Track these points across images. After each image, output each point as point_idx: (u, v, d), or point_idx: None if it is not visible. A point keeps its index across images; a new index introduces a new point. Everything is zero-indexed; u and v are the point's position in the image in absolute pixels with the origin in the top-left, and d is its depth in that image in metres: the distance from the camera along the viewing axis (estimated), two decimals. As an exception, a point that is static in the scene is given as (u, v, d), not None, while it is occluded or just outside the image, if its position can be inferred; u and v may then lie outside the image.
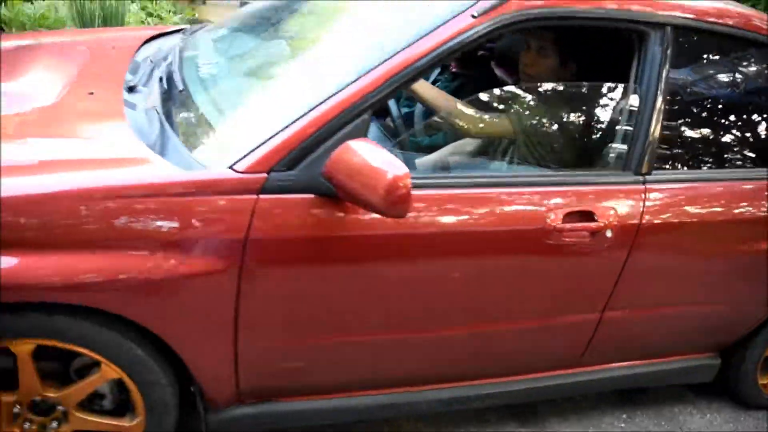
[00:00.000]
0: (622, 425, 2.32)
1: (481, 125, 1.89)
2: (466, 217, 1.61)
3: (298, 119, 1.49)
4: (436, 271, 1.67)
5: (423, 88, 1.90)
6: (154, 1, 5.68)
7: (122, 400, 1.63)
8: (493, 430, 2.17)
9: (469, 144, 2.06)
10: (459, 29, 1.57)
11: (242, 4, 6.28)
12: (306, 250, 1.51)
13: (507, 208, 1.68)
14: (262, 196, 1.45)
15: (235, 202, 1.44)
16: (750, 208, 1.98)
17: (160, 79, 1.86)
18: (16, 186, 1.35)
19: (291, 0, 2.30)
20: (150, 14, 5.45)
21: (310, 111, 1.49)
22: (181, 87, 1.77)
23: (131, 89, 1.86)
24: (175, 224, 1.41)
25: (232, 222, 1.44)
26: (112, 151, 1.54)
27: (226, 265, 1.46)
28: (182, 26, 2.66)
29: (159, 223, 1.41)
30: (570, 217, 1.73)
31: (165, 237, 1.41)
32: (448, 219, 1.60)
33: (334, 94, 1.50)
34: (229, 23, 2.41)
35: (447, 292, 1.71)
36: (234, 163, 1.46)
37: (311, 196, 1.48)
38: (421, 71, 1.56)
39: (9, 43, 2.32)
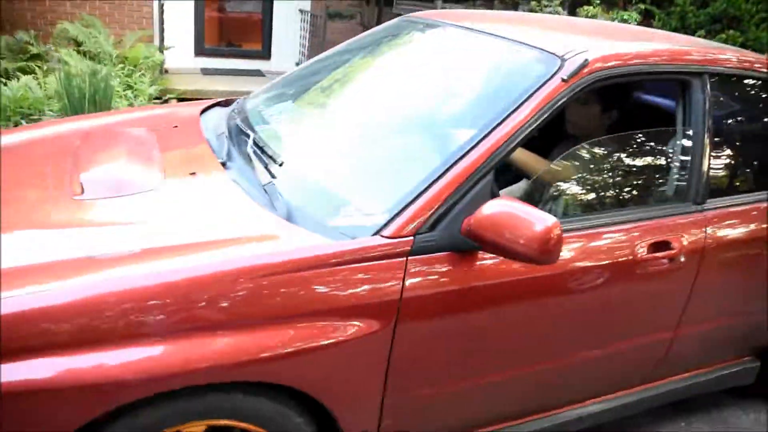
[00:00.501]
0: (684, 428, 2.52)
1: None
2: (583, 254, 1.79)
3: (432, 184, 1.63)
4: (563, 304, 1.83)
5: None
6: (133, 76, 5.69)
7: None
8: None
9: (516, 191, 2.26)
10: (553, 92, 1.77)
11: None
12: (451, 303, 1.64)
13: (610, 244, 1.87)
14: (410, 258, 1.57)
15: (390, 266, 1.55)
16: None
17: (255, 153, 1.94)
18: (194, 268, 1.42)
19: (357, 56, 2.47)
20: (130, 87, 5.46)
21: (442, 175, 1.64)
22: (280, 161, 1.86)
23: (223, 165, 1.94)
24: (336, 292, 1.51)
25: (388, 285, 1.55)
26: (259, 229, 1.61)
27: (382, 325, 1.57)
28: (226, 98, 2.75)
29: (321, 292, 1.50)
30: (652, 247, 1.94)
31: (327, 306, 1.50)
32: (570, 255, 1.77)
33: (461, 158, 1.66)
34: (287, 88, 2.54)
35: (571, 323, 1.88)
36: (380, 230, 1.58)
37: (451, 253, 1.62)
38: (526, 132, 1.74)
39: (27, 133, 2.34)
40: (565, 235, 1.72)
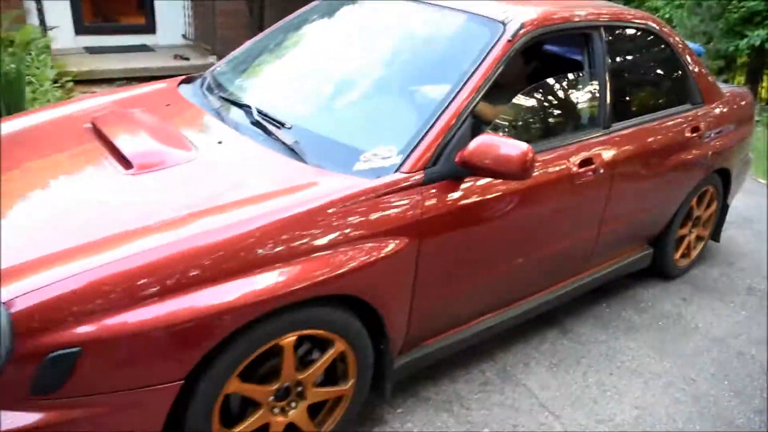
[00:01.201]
0: (607, 311, 3.22)
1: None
2: (542, 171, 2.35)
3: (430, 129, 2.08)
4: (528, 210, 2.38)
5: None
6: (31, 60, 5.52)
7: (330, 373, 2.09)
8: (535, 335, 2.92)
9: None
10: (503, 50, 2.27)
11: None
12: (454, 219, 2.12)
13: (554, 163, 2.43)
14: (423, 186, 2.03)
15: (410, 194, 2.00)
16: (667, 138, 2.97)
17: (265, 119, 2.27)
18: (267, 214, 1.78)
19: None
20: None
21: (436, 121, 2.09)
22: (289, 124, 2.22)
23: (238, 131, 2.27)
24: (375, 219, 1.93)
25: (410, 209, 2.00)
26: (311, 174, 1.98)
27: (410, 241, 2.01)
28: (188, 75, 2.99)
29: (368, 220, 1.91)
30: (580, 163, 2.53)
31: (370, 230, 1.92)
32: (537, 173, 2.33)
33: (447, 107, 2.12)
34: (252, 58, 2.85)
35: (534, 225, 2.45)
36: (398, 168, 2.01)
37: (451, 180, 2.09)
38: (489, 83, 2.22)
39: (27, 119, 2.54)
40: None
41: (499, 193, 2.22)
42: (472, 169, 2.07)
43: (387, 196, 1.96)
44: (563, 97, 2.78)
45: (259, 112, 2.32)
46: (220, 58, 7.54)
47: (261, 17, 8.18)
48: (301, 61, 2.80)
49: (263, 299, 1.71)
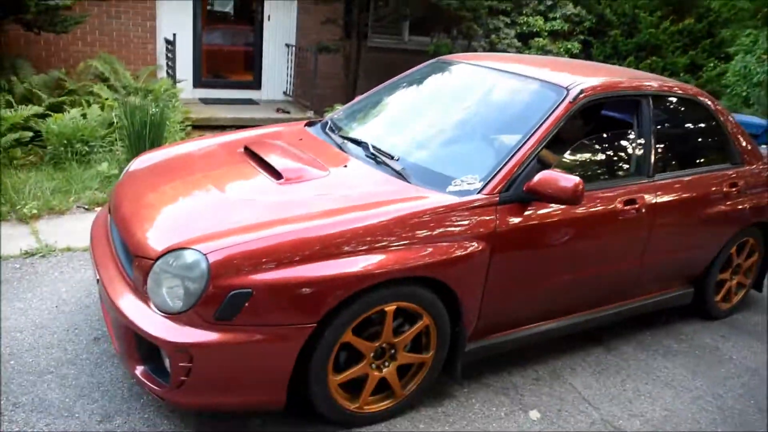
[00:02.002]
0: (649, 337, 3.68)
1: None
2: (590, 205, 2.96)
3: (505, 164, 2.74)
4: (582, 235, 2.97)
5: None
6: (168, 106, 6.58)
7: (415, 345, 2.70)
8: (583, 349, 3.43)
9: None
10: (565, 109, 2.92)
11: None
12: (520, 233, 2.73)
13: (603, 200, 3.03)
14: (498, 206, 2.67)
15: (488, 211, 2.65)
16: (706, 190, 3.51)
17: (378, 152, 2.99)
18: (385, 214, 2.47)
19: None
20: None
21: (510, 159, 2.75)
22: (397, 156, 2.93)
23: (358, 159, 3.00)
24: (464, 226, 2.58)
25: (488, 222, 2.64)
26: (415, 191, 2.66)
27: (485, 246, 2.64)
28: (310, 119, 3.79)
29: (456, 226, 2.57)
30: (625, 202, 3.11)
31: (459, 234, 2.57)
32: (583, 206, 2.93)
33: (519, 149, 2.78)
34: (363, 109, 3.63)
35: (586, 247, 3.03)
36: (480, 191, 2.67)
37: (518, 204, 2.73)
38: (553, 133, 2.87)
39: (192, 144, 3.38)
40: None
41: (557, 218, 2.84)
42: (536, 195, 2.69)
43: (470, 210, 2.61)
44: (615, 149, 3.39)
45: (374, 147, 3.05)
46: (316, 112, 8.56)
47: (355, 81, 9.18)
48: (405, 111, 3.58)
49: (378, 272, 2.37)
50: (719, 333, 3.85)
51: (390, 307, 2.49)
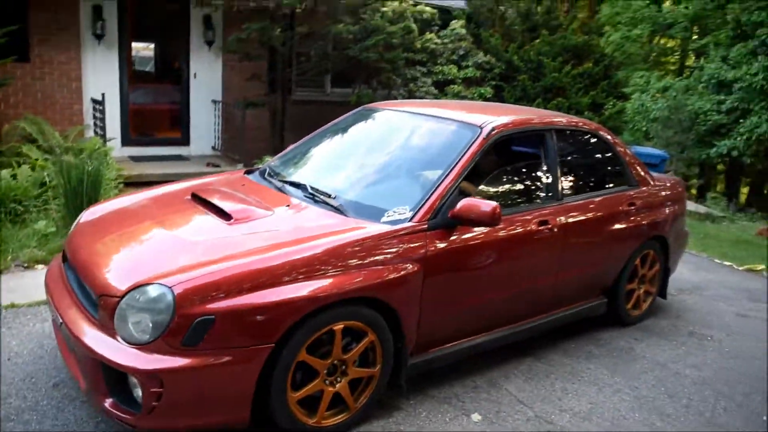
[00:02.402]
0: (573, 345, 4.08)
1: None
2: (508, 227, 3.35)
3: (430, 196, 3.09)
4: (500, 255, 3.34)
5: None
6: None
7: (363, 361, 2.95)
8: (514, 359, 3.77)
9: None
10: (479, 145, 3.33)
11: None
12: (448, 255, 3.08)
13: (520, 222, 3.43)
14: (427, 232, 3.01)
15: (419, 237, 2.98)
16: (608, 210, 3.99)
17: (316, 192, 3.29)
18: (330, 243, 2.75)
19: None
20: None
21: (434, 191, 3.11)
22: (333, 195, 3.24)
23: (299, 200, 3.28)
24: (398, 251, 2.90)
25: (418, 248, 2.97)
26: (354, 223, 2.96)
27: (418, 268, 2.96)
28: (249, 168, 4.05)
29: (392, 251, 2.88)
30: (539, 224, 3.53)
31: (395, 258, 2.89)
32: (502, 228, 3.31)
33: (441, 182, 3.15)
34: (298, 154, 3.94)
35: (511, 266, 3.41)
36: (410, 219, 3.00)
37: (444, 230, 3.08)
38: (470, 167, 3.26)
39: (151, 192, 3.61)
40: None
41: (479, 241, 3.20)
42: (460, 220, 3.06)
43: (403, 237, 2.94)
44: (527, 177, 3.85)
45: (312, 187, 3.35)
46: (245, 165, 8.80)
47: (281, 133, 9.51)
48: (336, 155, 3.93)
49: (325, 295, 2.65)
50: (633, 337, 4.30)
51: (338, 326, 2.75)
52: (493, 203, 3.00)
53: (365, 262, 2.80)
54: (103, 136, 8.03)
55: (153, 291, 2.46)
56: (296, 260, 2.65)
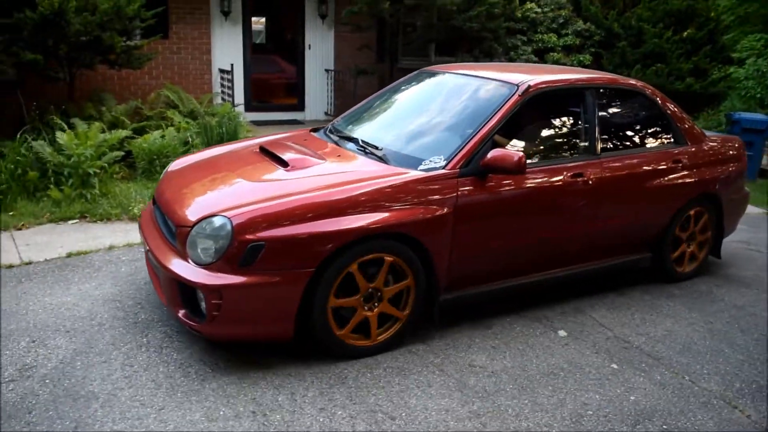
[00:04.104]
0: (654, 285, 4.52)
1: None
2: (543, 179, 3.76)
3: (465, 144, 3.47)
4: (535, 204, 3.70)
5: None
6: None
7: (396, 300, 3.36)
8: (598, 294, 4.28)
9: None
10: (515, 101, 3.68)
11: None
12: (478, 201, 3.44)
13: (556, 174, 3.81)
14: (459, 179, 3.40)
15: (450, 183, 3.35)
16: (649, 166, 4.25)
17: (366, 145, 3.77)
18: (366, 185, 3.23)
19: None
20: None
21: (467, 142, 3.48)
22: (380, 147, 3.72)
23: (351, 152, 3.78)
24: (431, 194, 3.28)
25: (449, 192, 3.34)
26: (394, 171, 3.37)
27: (450, 210, 3.33)
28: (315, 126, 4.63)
29: (425, 194, 3.26)
30: (574, 176, 3.87)
31: (428, 201, 3.26)
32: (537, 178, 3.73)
33: (477, 132, 3.53)
34: (358, 113, 4.56)
35: (543, 214, 3.76)
36: (444, 166, 3.39)
37: (475, 177, 3.44)
38: (506, 120, 3.61)
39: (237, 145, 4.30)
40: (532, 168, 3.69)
41: (510, 188, 3.56)
42: (489, 168, 3.41)
43: (436, 182, 3.34)
44: (563, 133, 4.31)
45: (362, 141, 3.88)
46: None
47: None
48: (389, 112, 4.49)
49: (371, 228, 3.10)
50: (714, 283, 4.68)
51: (389, 258, 3.21)
52: (520, 153, 3.34)
53: (400, 203, 3.21)
54: (232, 101, 9.03)
55: (217, 221, 3.03)
56: (334, 200, 3.11)
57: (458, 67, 4.58)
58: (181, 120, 7.93)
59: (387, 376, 3.16)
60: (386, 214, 3.17)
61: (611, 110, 4.38)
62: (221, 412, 2.81)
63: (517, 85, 3.78)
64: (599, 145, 4.05)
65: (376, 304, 3.30)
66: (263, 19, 11.12)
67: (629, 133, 4.49)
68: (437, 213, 3.30)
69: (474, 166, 3.44)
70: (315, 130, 4.56)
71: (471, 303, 3.75)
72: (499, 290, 3.77)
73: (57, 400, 2.83)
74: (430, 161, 3.45)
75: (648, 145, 4.42)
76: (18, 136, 6.29)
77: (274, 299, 3.04)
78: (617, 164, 4.08)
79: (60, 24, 6.61)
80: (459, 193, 3.38)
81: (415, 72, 4.82)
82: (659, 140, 4.49)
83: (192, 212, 3.24)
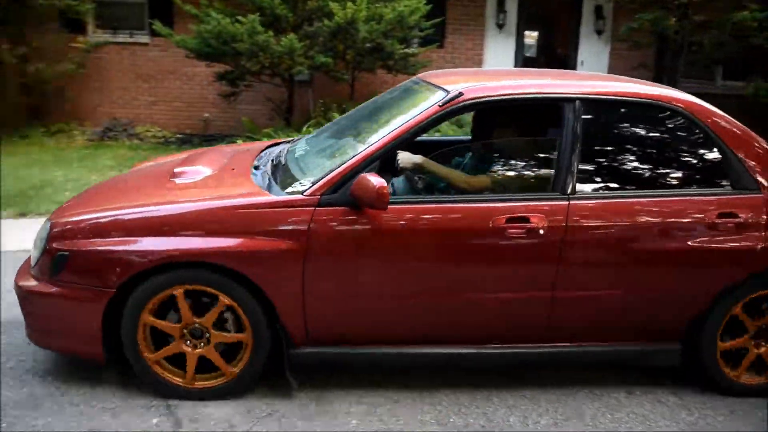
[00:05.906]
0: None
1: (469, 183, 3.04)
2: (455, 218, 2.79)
3: (339, 165, 2.74)
4: (450, 250, 2.77)
5: (432, 165, 3.07)
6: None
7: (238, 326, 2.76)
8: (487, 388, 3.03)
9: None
10: (430, 114, 2.78)
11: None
12: (348, 238, 2.69)
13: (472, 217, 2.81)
14: (316, 208, 2.67)
15: (302, 212, 2.67)
16: (670, 218, 2.85)
17: (272, 161, 3.22)
18: (210, 204, 2.75)
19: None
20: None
21: (347, 160, 2.75)
22: (283, 162, 3.15)
23: (256, 167, 3.20)
24: (277, 224, 2.65)
25: (302, 223, 2.65)
26: (248, 190, 2.85)
27: (297, 246, 2.65)
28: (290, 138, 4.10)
29: (272, 223, 2.65)
30: (506, 221, 2.76)
31: (269, 230, 2.65)
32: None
33: (363, 150, 2.77)
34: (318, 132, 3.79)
35: (463, 269, 2.83)
36: (304, 192, 2.71)
37: (346, 208, 2.67)
38: (405, 140, 2.78)
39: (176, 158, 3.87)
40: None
41: (392, 228, 2.72)
42: (352, 197, 2.63)
43: (286, 208, 2.70)
44: (512, 160, 3.21)
45: (264, 157, 3.39)
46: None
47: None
48: (341, 124, 3.68)
49: (172, 254, 2.65)
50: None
51: (179, 291, 2.70)
52: (381, 181, 2.53)
53: (233, 230, 2.67)
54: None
55: (45, 225, 2.92)
56: (153, 217, 2.74)
57: (447, 74, 3.61)
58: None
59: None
60: (207, 240, 2.67)
61: (615, 133, 3.08)
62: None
63: (448, 92, 2.88)
64: (571, 182, 2.84)
65: (202, 344, 2.81)
66: (535, 33, 11.09)
67: (643, 167, 3.04)
68: (279, 247, 2.66)
69: (343, 193, 2.69)
70: (288, 142, 4.01)
71: (339, 364, 3.03)
72: (380, 356, 2.89)
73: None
74: (300, 184, 2.81)
75: (672, 186, 2.99)
76: (304, 129, 7.27)
77: (74, 316, 2.78)
78: (603, 210, 2.84)
79: (350, 32, 7.72)
80: (312, 226, 2.67)
81: (405, 81, 3.84)
82: (700, 181, 3.01)
83: (55, 215, 3.10)
